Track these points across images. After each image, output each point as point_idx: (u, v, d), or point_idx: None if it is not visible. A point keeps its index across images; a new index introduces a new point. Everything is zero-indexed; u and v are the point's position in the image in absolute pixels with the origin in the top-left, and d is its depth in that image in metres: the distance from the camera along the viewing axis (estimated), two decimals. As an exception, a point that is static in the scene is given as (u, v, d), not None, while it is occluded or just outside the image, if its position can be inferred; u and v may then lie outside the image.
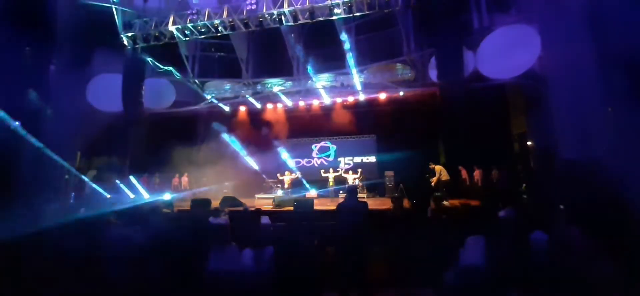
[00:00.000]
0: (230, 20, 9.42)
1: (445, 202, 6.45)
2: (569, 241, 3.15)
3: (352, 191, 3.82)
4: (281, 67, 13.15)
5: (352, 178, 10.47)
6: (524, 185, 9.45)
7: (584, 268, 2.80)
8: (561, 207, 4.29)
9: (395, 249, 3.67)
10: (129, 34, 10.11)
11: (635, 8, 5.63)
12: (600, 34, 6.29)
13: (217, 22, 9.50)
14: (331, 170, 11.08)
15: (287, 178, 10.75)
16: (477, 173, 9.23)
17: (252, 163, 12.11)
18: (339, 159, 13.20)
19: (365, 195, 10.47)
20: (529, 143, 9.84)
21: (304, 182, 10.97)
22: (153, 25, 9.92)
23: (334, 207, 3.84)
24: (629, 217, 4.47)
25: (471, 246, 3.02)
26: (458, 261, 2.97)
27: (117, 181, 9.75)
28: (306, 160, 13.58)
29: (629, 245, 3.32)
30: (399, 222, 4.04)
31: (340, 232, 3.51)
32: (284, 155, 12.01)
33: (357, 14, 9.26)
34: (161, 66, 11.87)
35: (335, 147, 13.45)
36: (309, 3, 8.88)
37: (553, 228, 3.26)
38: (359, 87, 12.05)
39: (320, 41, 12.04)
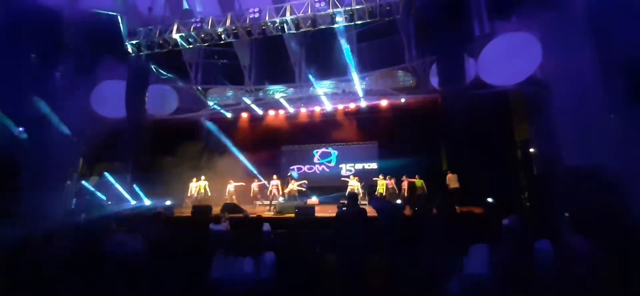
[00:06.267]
0: (234, 28, 9.53)
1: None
2: (573, 250, 3.11)
3: (352, 198, 3.80)
4: (283, 74, 13.23)
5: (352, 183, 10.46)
6: (526, 192, 9.38)
7: (589, 277, 2.75)
8: (566, 214, 4.24)
9: (397, 257, 3.63)
10: (134, 42, 10.23)
11: (636, 14, 5.65)
12: (602, 39, 6.30)
13: (220, 30, 9.61)
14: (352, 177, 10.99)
15: (293, 186, 10.61)
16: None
17: (253, 169, 12.10)
18: (340, 165, 13.19)
19: (366, 202, 10.42)
20: (531, 150, 9.78)
21: (309, 193, 10.91)
22: (157, 33, 10.04)
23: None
24: (633, 223, 4.40)
25: (475, 254, 2.99)
26: (462, 269, 2.93)
27: (119, 187, 9.77)
28: (307, 166, 13.57)
29: (634, 252, 3.27)
30: (400, 230, 4.00)
31: (340, 239, 3.48)
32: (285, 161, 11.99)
33: (359, 22, 9.34)
34: (165, 73, 11.98)
35: (336, 152, 13.44)
36: (311, 11, 8.97)
37: (557, 236, 3.22)
38: (360, 93, 12.09)
39: (322, 48, 12.13)
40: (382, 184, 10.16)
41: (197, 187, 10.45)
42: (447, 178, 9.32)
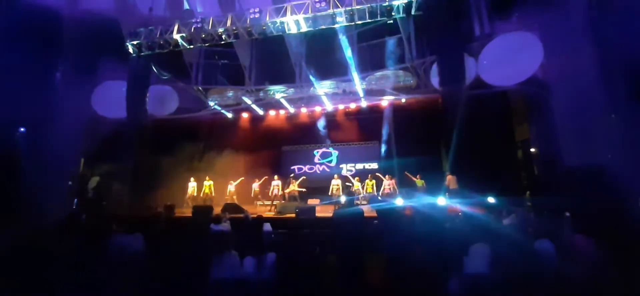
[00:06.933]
0: (234, 28, 9.54)
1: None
2: (574, 249, 3.11)
3: (349, 198, 3.82)
4: (284, 74, 13.22)
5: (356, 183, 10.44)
6: (527, 192, 9.37)
7: (590, 276, 2.75)
8: (566, 213, 4.24)
9: (397, 257, 3.63)
10: (134, 42, 10.25)
11: (636, 14, 5.65)
12: (602, 39, 6.30)
13: (221, 30, 9.62)
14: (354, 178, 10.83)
15: (293, 187, 10.56)
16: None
17: (253, 169, 12.10)
18: (341, 165, 13.20)
19: (367, 202, 10.41)
20: (532, 149, 9.78)
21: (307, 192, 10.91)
22: (158, 34, 10.05)
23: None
24: (634, 223, 4.40)
25: (475, 254, 2.99)
26: (462, 269, 2.93)
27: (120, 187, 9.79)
28: (308, 166, 13.58)
29: (634, 252, 3.26)
30: (400, 230, 4.00)
31: (337, 240, 3.49)
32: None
33: (359, 22, 9.34)
34: (165, 73, 12.00)
35: (337, 152, 13.45)
36: (311, 11, 8.97)
37: (558, 236, 3.22)
38: (361, 93, 12.09)
39: (322, 49, 12.13)
40: (371, 184, 10.15)
41: (204, 186, 10.35)
42: (447, 180, 9.29)
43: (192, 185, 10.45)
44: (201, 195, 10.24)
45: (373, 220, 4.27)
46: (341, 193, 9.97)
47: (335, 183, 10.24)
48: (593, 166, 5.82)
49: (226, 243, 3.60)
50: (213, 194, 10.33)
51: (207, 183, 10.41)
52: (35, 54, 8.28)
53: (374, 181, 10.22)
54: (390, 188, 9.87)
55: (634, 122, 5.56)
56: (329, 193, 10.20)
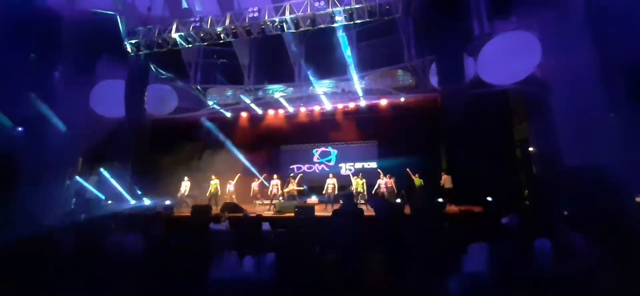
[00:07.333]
0: (233, 27, 9.52)
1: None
2: (572, 248, 3.12)
3: (348, 197, 3.81)
4: (282, 73, 13.22)
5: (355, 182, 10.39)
6: (526, 191, 9.40)
7: (588, 275, 2.76)
8: (565, 212, 4.25)
9: (397, 256, 3.63)
10: (133, 41, 10.22)
11: (636, 14, 5.66)
12: (601, 39, 6.31)
13: (219, 29, 9.60)
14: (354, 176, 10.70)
15: (292, 186, 10.50)
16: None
17: (253, 169, 12.11)
18: (340, 165, 13.20)
19: (365, 201, 10.40)
20: (531, 149, 9.80)
21: (307, 191, 10.88)
22: (156, 33, 10.03)
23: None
24: (632, 222, 4.42)
25: (474, 253, 3.00)
26: (461, 268, 2.94)
27: (118, 186, 9.77)
28: (307, 165, 13.58)
29: (632, 250, 3.28)
30: (400, 229, 4.00)
31: (337, 239, 3.48)
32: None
33: (358, 21, 9.34)
34: (164, 72, 11.97)
35: (336, 151, 13.46)
36: (310, 10, 8.96)
37: (557, 235, 3.23)
38: (360, 93, 12.09)
39: (321, 48, 12.13)
40: (360, 183, 10.10)
41: (211, 185, 10.02)
42: (443, 179, 9.32)
43: (185, 185, 10.30)
44: (207, 194, 10.10)
45: (372, 220, 4.27)
46: (337, 192, 9.91)
47: (331, 182, 10.21)
48: (592, 165, 5.84)
49: (225, 243, 3.60)
50: (219, 193, 10.12)
51: (213, 182, 10.20)
52: (34, 53, 8.25)
53: (364, 180, 10.14)
54: (386, 188, 9.83)
55: (633, 121, 5.58)
56: (323, 192, 10.14)
